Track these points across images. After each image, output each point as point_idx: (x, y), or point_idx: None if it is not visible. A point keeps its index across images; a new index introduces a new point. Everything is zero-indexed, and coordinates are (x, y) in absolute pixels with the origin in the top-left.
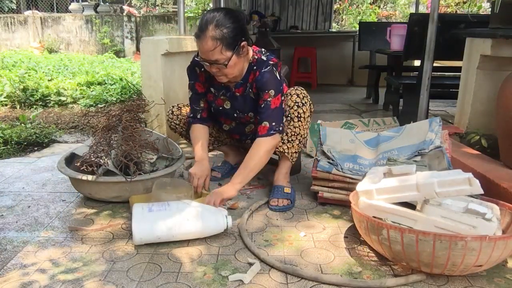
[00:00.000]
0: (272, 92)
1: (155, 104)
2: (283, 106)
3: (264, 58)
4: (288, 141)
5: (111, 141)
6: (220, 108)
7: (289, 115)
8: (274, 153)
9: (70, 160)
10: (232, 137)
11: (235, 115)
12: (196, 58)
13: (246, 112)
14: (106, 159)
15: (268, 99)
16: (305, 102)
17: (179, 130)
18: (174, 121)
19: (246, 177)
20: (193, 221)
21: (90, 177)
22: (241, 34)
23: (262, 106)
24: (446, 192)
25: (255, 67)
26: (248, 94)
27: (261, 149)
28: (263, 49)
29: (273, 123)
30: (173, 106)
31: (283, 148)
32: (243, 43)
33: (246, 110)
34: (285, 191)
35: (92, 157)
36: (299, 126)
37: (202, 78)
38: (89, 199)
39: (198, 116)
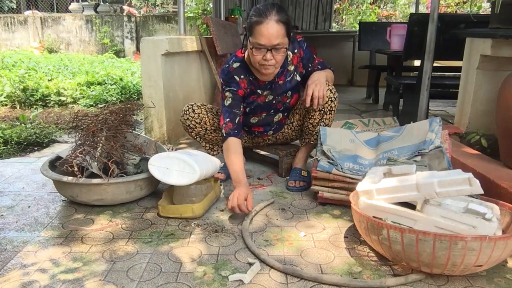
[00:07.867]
0: (316, 60)
1: (155, 105)
2: None
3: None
4: (316, 133)
5: (94, 143)
6: (261, 103)
7: (323, 109)
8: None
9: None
10: (253, 131)
11: (274, 101)
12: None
13: (285, 93)
14: (90, 161)
15: (321, 61)
16: (336, 97)
17: (197, 130)
18: (195, 120)
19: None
20: (211, 162)
21: (70, 179)
22: (291, 24)
23: (320, 67)
24: (446, 192)
25: (291, 49)
26: (292, 79)
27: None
28: None
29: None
30: (192, 105)
31: (309, 139)
32: (291, 33)
33: (285, 91)
34: (302, 174)
35: (73, 158)
36: (329, 118)
37: (244, 85)
38: None
39: (236, 121)
